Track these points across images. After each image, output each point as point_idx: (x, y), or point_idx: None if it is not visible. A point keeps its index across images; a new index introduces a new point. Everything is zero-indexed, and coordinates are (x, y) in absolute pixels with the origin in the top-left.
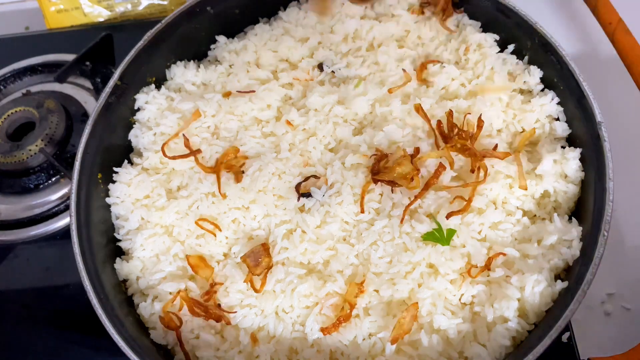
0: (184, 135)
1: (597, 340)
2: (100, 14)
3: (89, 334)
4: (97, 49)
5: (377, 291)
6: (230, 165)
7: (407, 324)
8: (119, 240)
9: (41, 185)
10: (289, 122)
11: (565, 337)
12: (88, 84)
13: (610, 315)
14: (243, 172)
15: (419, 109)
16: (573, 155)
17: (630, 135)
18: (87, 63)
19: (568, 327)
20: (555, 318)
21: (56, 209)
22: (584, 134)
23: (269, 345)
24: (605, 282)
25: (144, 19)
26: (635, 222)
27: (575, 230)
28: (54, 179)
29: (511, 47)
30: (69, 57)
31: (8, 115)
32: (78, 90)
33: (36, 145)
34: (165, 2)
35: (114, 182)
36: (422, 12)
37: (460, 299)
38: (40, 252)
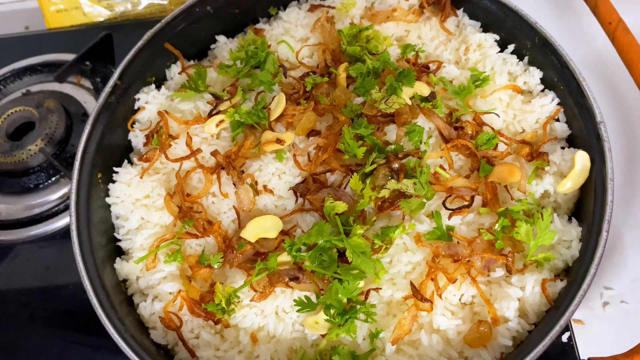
0: (187, 134)
1: (597, 340)
2: (100, 13)
3: (89, 334)
4: (97, 49)
5: (377, 291)
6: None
7: (407, 324)
8: (119, 240)
9: (41, 185)
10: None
11: (565, 337)
12: (88, 83)
13: (610, 315)
14: (243, 172)
15: None
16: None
17: (630, 135)
18: (87, 63)
19: (568, 327)
20: (555, 318)
21: (56, 208)
22: (584, 134)
23: (269, 345)
24: (605, 282)
25: (144, 19)
26: (636, 222)
27: (575, 231)
28: (53, 179)
29: (511, 47)
30: (69, 57)
31: (8, 115)
32: (78, 90)
33: (36, 145)
34: (165, 2)
35: (114, 182)
36: (422, 12)
37: (460, 299)
38: (40, 252)
